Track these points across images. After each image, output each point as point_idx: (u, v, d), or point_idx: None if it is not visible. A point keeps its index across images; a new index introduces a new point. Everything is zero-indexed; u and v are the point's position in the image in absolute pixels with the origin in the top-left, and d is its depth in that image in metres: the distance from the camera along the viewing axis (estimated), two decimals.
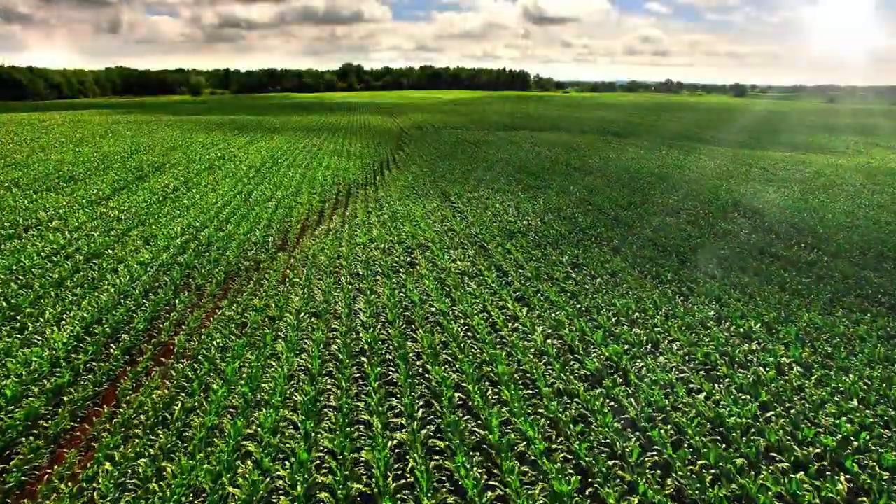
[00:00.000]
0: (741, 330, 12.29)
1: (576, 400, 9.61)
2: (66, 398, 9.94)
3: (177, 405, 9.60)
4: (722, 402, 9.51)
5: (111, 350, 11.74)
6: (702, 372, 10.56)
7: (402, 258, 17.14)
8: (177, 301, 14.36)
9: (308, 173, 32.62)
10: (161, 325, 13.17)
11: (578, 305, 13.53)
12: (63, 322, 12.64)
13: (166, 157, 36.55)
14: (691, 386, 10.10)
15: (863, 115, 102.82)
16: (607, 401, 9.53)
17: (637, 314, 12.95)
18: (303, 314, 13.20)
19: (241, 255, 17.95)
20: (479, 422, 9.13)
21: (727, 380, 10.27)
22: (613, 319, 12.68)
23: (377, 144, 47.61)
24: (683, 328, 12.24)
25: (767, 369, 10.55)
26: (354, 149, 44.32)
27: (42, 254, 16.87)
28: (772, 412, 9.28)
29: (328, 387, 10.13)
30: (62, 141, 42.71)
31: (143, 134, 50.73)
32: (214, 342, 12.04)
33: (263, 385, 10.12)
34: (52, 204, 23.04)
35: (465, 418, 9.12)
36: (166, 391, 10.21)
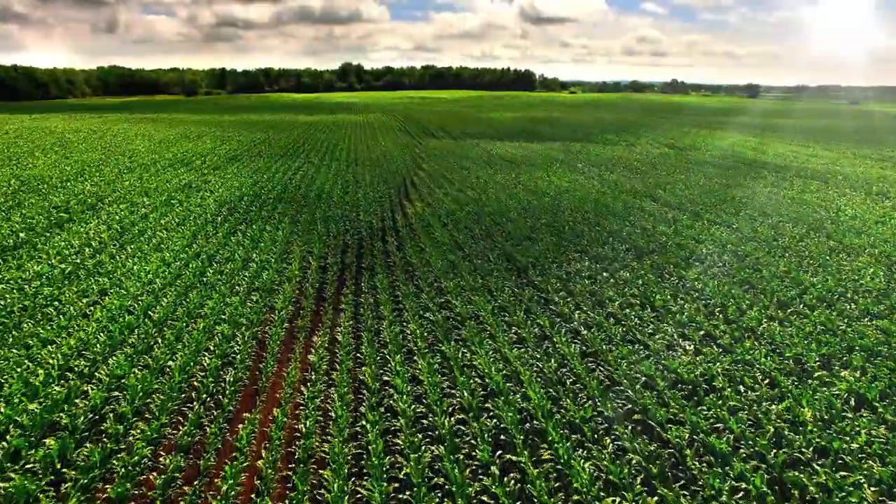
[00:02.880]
0: None
1: None
2: None
3: None
4: None
5: None
6: None
7: (496, 471, 8.02)
8: None
9: (302, 217, 23.39)
10: None
11: None
12: None
13: (113, 185, 27.29)
14: None
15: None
16: None
17: None
18: None
19: (165, 433, 8.90)
20: None
21: None
22: None
23: (388, 160, 38.32)
24: None
25: None
26: (362, 168, 35.04)
27: None
28: None
29: None
30: None
31: (100, 147, 41.45)
32: None
33: None
34: None
35: None
36: None
